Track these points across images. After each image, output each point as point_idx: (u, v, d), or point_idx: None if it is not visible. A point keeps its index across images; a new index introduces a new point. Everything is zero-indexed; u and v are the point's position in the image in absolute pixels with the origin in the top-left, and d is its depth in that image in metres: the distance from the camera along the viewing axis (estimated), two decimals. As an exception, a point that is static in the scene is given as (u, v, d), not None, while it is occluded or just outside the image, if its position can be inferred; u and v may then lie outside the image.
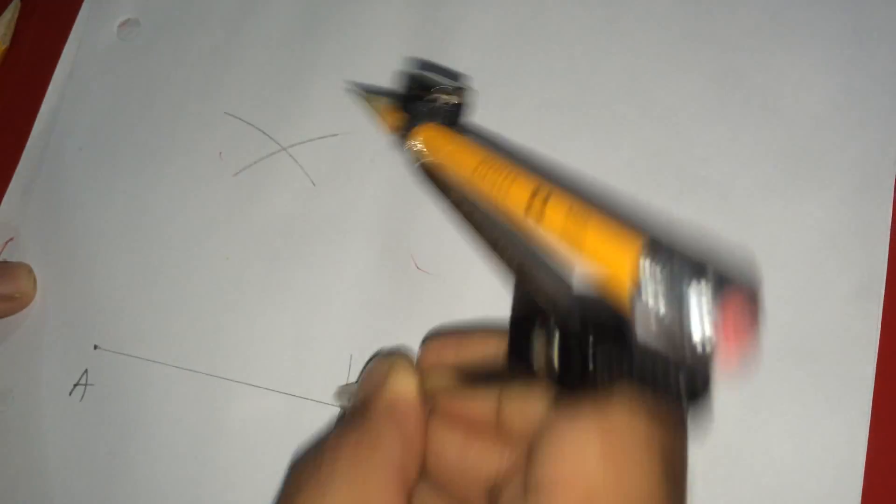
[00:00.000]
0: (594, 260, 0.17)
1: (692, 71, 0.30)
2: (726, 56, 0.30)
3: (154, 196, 0.35)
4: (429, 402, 0.24)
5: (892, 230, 0.27)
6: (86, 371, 0.33)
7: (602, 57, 0.32)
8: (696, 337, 0.14)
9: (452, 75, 0.32)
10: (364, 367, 0.30)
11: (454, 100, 0.27)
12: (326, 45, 0.35)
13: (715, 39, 0.30)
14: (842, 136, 0.28)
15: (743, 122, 0.29)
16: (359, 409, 0.24)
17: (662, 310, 0.15)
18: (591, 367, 0.18)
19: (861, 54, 0.29)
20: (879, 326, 0.26)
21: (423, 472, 0.23)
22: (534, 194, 0.20)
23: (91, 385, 0.33)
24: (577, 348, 0.18)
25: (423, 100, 0.27)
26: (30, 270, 0.34)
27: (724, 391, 0.26)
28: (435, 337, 0.27)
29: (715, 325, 0.14)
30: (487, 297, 0.30)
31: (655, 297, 0.15)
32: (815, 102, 0.29)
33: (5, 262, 0.35)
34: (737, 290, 0.14)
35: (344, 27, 0.35)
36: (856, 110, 0.28)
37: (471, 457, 0.23)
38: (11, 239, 0.36)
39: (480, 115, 0.32)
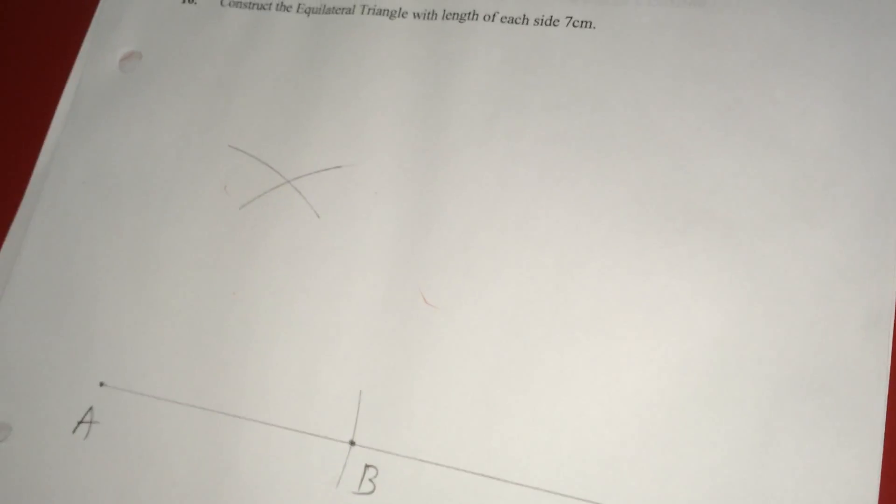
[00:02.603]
0: None
1: (696, 104, 0.31)
2: (730, 89, 0.30)
3: (159, 230, 0.35)
4: None
5: (899, 262, 0.27)
6: (91, 408, 0.33)
7: (607, 89, 0.32)
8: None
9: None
10: None
11: None
12: (330, 77, 0.35)
13: (719, 73, 0.31)
14: (848, 167, 0.28)
15: (748, 155, 0.30)
16: None
17: None
18: None
19: (865, 85, 0.29)
20: (890, 358, 0.26)
21: None
22: None
23: (97, 423, 0.33)
24: None
25: None
26: None
27: (734, 427, 0.27)
28: None
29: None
30: (498, 332, 0.30)
31: None
32: (820, 134, 0.29)
33: None
34: None
35: (348, 59, 0.35)
36: (861, 141, 0.29)
37: None
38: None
39: (487, 148, 0.32)
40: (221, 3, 0.38)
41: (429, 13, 0.35)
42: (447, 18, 0.35)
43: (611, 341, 0.29)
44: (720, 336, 0.28)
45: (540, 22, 0.33)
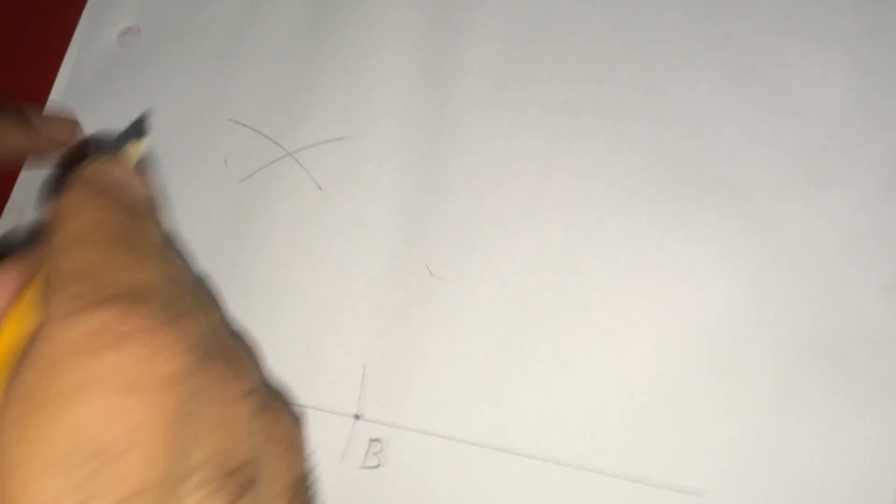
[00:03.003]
0: None
1: (707, 71, 0.30)
2: (742, 55, 0.30)
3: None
4: None
5: (916, 227, 0.27)
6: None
7: (615, 58, 0.31)
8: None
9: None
10: None
11: None
12: (331, 49, 0.35)
13: (730, 39, 0.30)
14: (862, 132, 0.28)
15: (761, 122, 0.29)
16: None
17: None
18: None
19: (879, 49, 0.28)
20: (908, 325, 0.25)
21: None
22: None
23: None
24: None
25: None
26: (76, 122, 0.35)
27: (751, 395, 0.26)
28: None
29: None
30: (506, 303, 0.29)
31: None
32: (833, 100, 0.28)
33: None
34: None
35: (350, 30, 0.35)
36: (875, 107, 0.28)
37: None
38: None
39: (493, 118, 0.31)
40: (221, -25, 0.37)
41: (433, -17, 0.34)
42: (451, -12, 0.34)
43: (622, 310, 0.28)
44: (734, 304, 0.27)
45: (546, -10, 0.33)
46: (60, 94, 0.37)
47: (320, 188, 0.33)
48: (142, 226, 0.20)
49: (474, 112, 0.32)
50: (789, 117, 0.29)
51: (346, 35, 0.35)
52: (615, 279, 0.28)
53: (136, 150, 0.26)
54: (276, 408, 0.21)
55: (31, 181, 0.36)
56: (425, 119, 0.32)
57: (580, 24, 0.32)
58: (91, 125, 0.36)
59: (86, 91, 0.36)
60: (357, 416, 0.29)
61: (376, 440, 0.29)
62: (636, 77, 0.31)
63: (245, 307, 0.32)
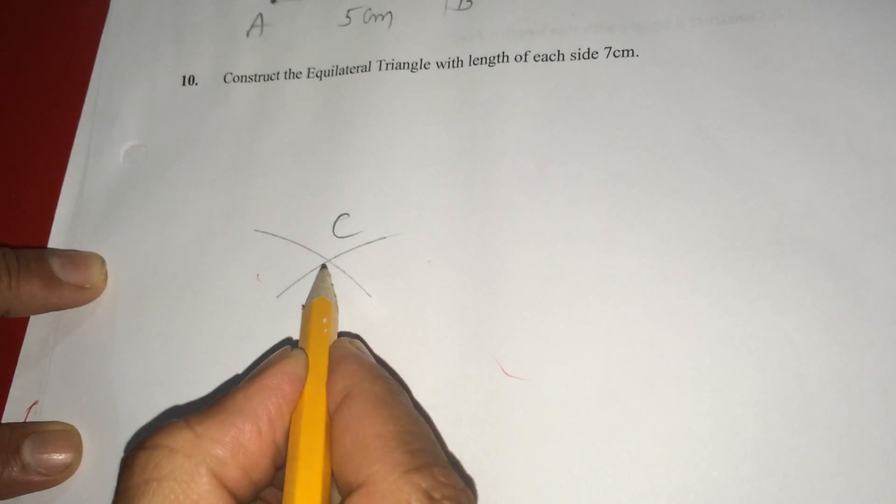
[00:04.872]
0: None
1: (765, 124, 0.29)
2: (799, 103, 0.29)
3: (192, 334, 0.31)
4: None
5: None
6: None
7: (663, 120, 0.30)
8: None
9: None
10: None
11: None
12: (355, 142, 0.32)
13: (782, 88, 0.29)
14: (944, 173, 0.27)
15: (832, 172, 0.28)
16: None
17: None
18: None
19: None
20: None
21: None
22: None
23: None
24: None
25: None
26: (102, 262, 0.33)
27: (871, 470, 0.24)
28: None
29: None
30: (593, 396, 0.27)
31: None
32: (906, 141, 0.27)
33: (76, 251, 0.33)
34: None
35: (372, 120, 0.33)
36: (952, 144, 0.27)
37: None
38: (36, 402, 0.32)
39: (545, 198, 0.30)
40: (224, 79, 0.35)
41: (453, 61, 0.33)
42: (475, 64, 0.32)
43: (721, 392, 0.26)
44: (840, 371, 0.26)
45: (577, 56, 0.31)
46: (66, 223, 0.34)
47: (369, 295, 0.30)
48: (402, 394, 0.23)
49: (522, 193, 0.30)
50: (861, 164, 0.27)
51: (369, 125, 0.33)
52: (708, 358, 0.27)
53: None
54: None
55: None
56: (470, 206, 0.30)
57: (620, 87, 0.30)
58: (107, 252, 0.33)
59: (94, 218, 0.34)
60: None
61: (480, 568, 0.26)
62: (690, 137, 0.29)
63: (307, 435, 0.29)
